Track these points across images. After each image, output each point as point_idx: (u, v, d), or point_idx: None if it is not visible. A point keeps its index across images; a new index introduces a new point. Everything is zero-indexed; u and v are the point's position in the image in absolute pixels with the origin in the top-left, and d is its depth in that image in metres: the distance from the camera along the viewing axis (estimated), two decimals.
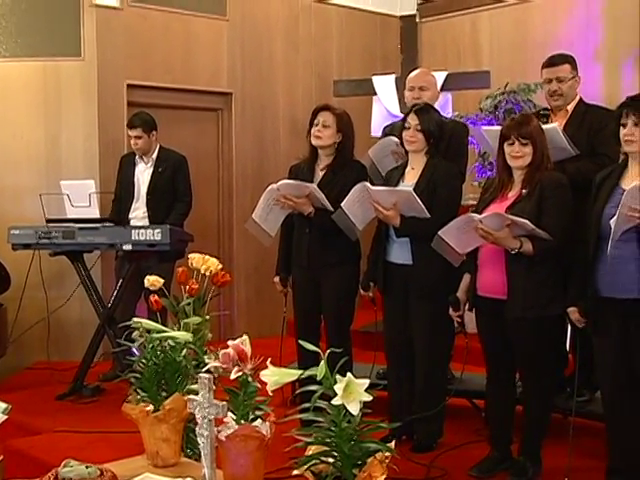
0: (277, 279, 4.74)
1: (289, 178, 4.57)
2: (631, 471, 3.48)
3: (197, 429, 2.03)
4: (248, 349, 2.06)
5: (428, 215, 4.04)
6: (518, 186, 3.79)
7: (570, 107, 4.39)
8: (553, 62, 4.44)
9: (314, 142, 4.51)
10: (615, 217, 3.17)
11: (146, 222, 5.75)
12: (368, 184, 4.17)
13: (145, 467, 2.39)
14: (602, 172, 3.56)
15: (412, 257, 4.19)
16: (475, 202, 4.25)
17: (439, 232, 3.80)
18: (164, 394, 2.45)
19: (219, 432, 2.03)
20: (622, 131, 3.35)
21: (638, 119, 3.30)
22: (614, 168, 3.50)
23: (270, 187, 4.45)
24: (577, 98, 4.42)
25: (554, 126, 4.14)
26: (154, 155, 5.89)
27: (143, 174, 5.90)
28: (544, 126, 4.06)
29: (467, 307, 3.95)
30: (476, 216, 3.69)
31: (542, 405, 3.91)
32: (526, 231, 3.61)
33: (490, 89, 6.81)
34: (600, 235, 3.35)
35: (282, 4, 7.57)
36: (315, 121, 4.50)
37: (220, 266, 2.83)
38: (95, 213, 5.69)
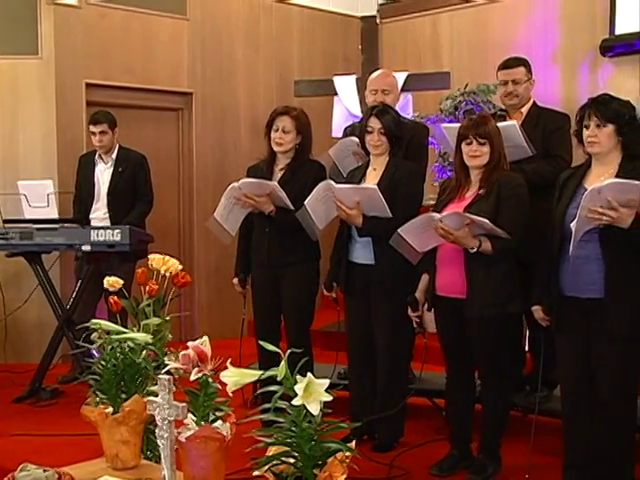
0: (236, 280, 4.73)
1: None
2: (588, 467, 3.53)
3: (157, 431, 2.01)
4: (208, 350, 2.05)
5: (390, 214, 4.06)
6: (475, 186, 3.82)
7: (525, 109, 4.46)
8: (508, 65, 4.52)
9: (276, 148, 4.51)
10: (575, 219, 3.20)
11: (107, 222, 5.71)
12: (332, 182, 4.18)
13: (104, 470, 2.37)
14: (565, 172, 3.59)
15: (374, 257, 4.20)
16: (435, 202, 4.27)
17: (399, 230, 3.82)
18: (123, 396, 2.43)
19: (179, 434, 2.02)
20: (585, 132, 3.38)
21: (600, 120, 3.34)
22: (578, 167, 3.54)
23: (231, 186, 4.44)
24: (531, 101, 4.50)
25: (513, 123, 4.18)
26: (114, 155, 5.85)
27: (103, 174, 5.85)
28: (502, 123, 4.11)
29: (426, 307, 3.97)
30: (436, 215, 3.71)
31: (501, 403, 3.94)
32: (485, 230, 3.64)
33: (450, 90, 6.85)
34: (563, 235, 3.38)
35: (243, 4, 7.56)
36: (274, 127, 4.49)
37: (180, 267, 2.81)
38: (54, 213, 5.62)
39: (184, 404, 1.99)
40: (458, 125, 4.21)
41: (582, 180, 3.46)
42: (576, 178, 3.49)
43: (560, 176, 3.59)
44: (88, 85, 6.61)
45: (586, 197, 3.18)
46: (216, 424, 2.05)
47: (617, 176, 3.28)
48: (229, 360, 1.96)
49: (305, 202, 4.17)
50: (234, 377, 1.88)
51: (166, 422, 1.99)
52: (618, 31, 6.84)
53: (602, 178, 3.24)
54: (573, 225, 3.20)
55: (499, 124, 4.04)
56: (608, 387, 3.37)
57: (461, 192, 3.86)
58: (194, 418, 2.05)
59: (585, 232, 3.26)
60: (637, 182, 3.15)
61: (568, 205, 3.41)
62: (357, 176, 4.33)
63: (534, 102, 4.50)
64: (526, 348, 4.60)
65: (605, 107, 3.34)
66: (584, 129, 3.38)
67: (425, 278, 3.96)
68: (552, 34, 7.29)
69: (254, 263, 4.64)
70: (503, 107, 4.67)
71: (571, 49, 7.20)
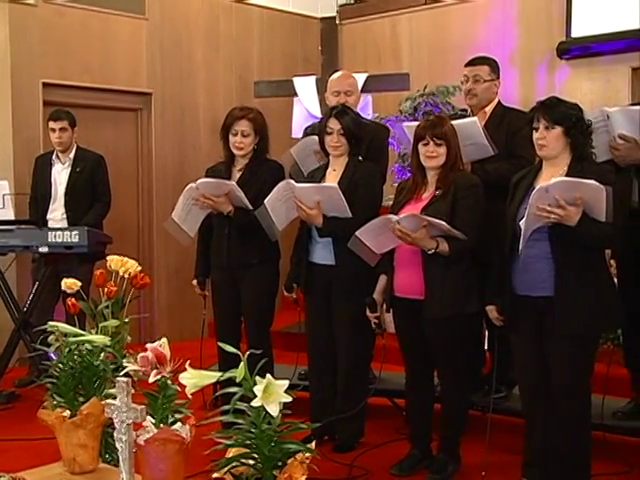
0: (195, 282, 4.71)
1: None
2: (547, 464, 3.56)
3: (115, 434, 2.00)
4: (167, 352, 2.04)
5: (350, 214, 4.07)
6: (432, 187, 3.84)
7: (489, 109, 4.44)
8: (473, 62, 4.50)
9: (236, 152, 4.50)
10: (524, 217, 3.24)
11: (65, 224, 5.64)
12: (292, 181, 4.18)
13: (62, 474, 2.35)
14: (519, 173, 3.64)
15: (334, 257, 4.20)
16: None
17: (357, 233, 3.83)
18: (81, 399, 2.40)
19: (138, 436, 2.00)
20: (534, 135, 3.43)
21: (548, 123, 3.38)
22: (530, 169, 3.59)
23: (189, 186, 4.41)
24: (496, 101, 4.48)
25: (474, 120, 4.18)
26: (71, 155, 5.78)
27: (60, 174, 5.78)
28: (463, 120, 4.12)
29: (384, 308, 3.99)
30: (393, 217, 3.72)
31: (460, 403, 3.98)
32: (442, 231, 3.66)
33: (410, 91, 6.90)
34: (515, 235, 3.43)
35: (202, 4, 7.52)
36: (233, 131, 4.48)
37: (139, 268, 2.79)
38: (9, 215, 5.55)
39: (143, 407, 1.98)
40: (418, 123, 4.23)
41: (533, 181, 3.50)
42: (528, 179, 3.53)
43: (513, 177, 3.64)
44: (45, 85, 6.53)
45: (534, 196, 3.23)
46: (175, 426, 2.04)
47: (566, 176, 3.32)
48: (188, 362, 1.95)
49: (265, 201, 4.16)
50: (193, 379, 1.87)
51: (124, 425, 1.97)
52: (574, 34, 6.95)
53: (552, 179, 3.28)
54: (522, 223, 3.24)
55: (459, 121, 4.06)
56: (562, 385, 3.41)
57: (418, 193, 3.88)
58: (153, 420, 2.04)
59: (535, 231, 3.30)
60: (583, 180, 3.20)
61: (520, 205, 3.45)
62: (317, 177, 4.33)
63: (499, 102, 4.48)
64: (485, 347, 4.64)
65: (552, 110, 3.40)
66: (534, 131, 3.43)
67: (383, 279, 3.98)
68: (510, 36, 7.36)
69: (214, 264, 4.62)
70: (463, 108, 4.69)
71: (529, 51, 7.28)
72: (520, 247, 3.29)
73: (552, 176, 3.36)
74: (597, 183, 3.20)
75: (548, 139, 3.38)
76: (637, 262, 3.69)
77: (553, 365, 3.42)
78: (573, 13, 6.93)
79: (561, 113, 3.38)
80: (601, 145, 3.76)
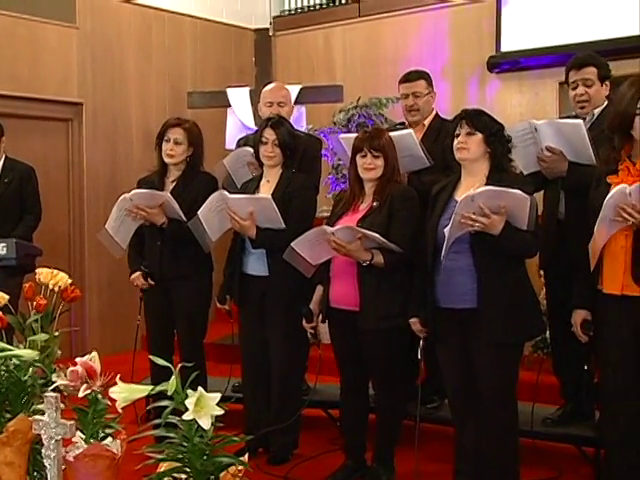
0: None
1: None
2: (476, 472, 3.61)
3: (43, 451, 1.95)
4: (97, 366, 2.00)
5: (283, 225, 4.07)
6: (369, 198, 3.87)
7: (427, 122, 4.50)
8: (409, 78, 4.54)
9: (167, 160, 4.47)
10: (449, 226, 3.28)
11: None
12: (225, 192, 4.16)
13: None
14: (438, 185, 3.67)
15: (268, 268, 4.20)
16: (329, 214, 4.30)
17: (292, 244, 3.83)
18: (8, 415, 2.34)
19: (67, 453, 1.96)
20: (455, 141, 3.49)
21: (470, 128, 3.45)
22: (449, 181, 3.63)
23: (123, 197, 4.36)
24: (433, 113, 4.54)
25: (410, 132, 4.22)
26: None
27: None
28: (398, 132, 4.16)
29: (320, 319, 4.00)
30: (328, 229, 3.74)
31: (395, 413, 4.00)
32: (377, 243, 3.69)
33: (343, 103, 6.94)
34: (436, 246, 3.47)
35: (134, 13, 7.46)
36: (166, 138, 4.45)
37: (70, 281, 2.74)
38: None
39: (72, 422, 1.94)
40: (355, 135, 4.26)
41: (453, 192, 3.55)
42: (447, 190, 3.58)
43: (432, 188, 3.68)
44: None
45: (460, 204, 3.27)
46: (106, 442, 2.00)
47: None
48: (118, 376, 1.92)
49: (198, 213, 4.14)
50: (123, 393, 1.84)
51: (53, 441, 1.93)
52: (504, 48, 7.10)
53: (472, 189, 3.33)
54: (447, 231, 3.28)
55: (396, 133, 4.09)
56: (489, 393, 3.46)
57: (355, 204, 3.90)
58: (83, 436, 2.00)
59: (456, 243, 3.33)
60: (509, 189, 3.26)
61: (440, 217, 3.50)
62: (250, 188, 4.32)
63: (436, 114, 4.55)
64: (419, 357, 4.68)
65: (475, 117, 3.48)
66: (455, 138, 3.49)
67: (320, 289, 3.99)
68: (442, 50, 7.48)
69: (146, 275, 4.56)
70: (397, 121, 4.73)
71: (460, 65, 7.41)
72: (443, 253, 3.32)
73: (471, 186, 3.41)
74: (522, 192, 3.26)
75: (469, 143, 3.45)
76: (564, 272, 3.76)
77: (479, 374, 3.47)
78: (503, 28, 7.09)
79: (483, 121, 3.46)
80: (529, 157, 3.85)
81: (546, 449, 4.17)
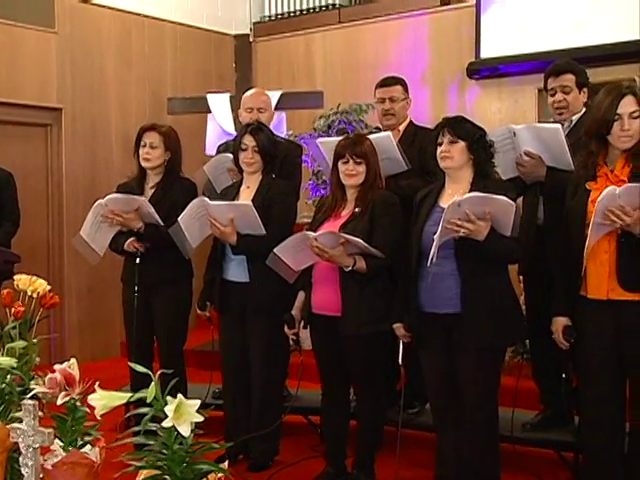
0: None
1: None
2: (457, 478, 3.62)
3: (21, 459, 1.93)
4: (76, 373, 1.99)
5: (264, 232, 4.06)
6: (352, 204, 3.87)
7: (401, 127, 4.54)
8: (386, 83, 4.59)
9: (143, 164, 4.46)
10: (438, 231, 3.30)
11: None
12: (206, 199, 4.15)
13: None
14: (422, 191, 3.69)
15: (249, 275, 4.19)
16: (310, 220, 4.31)
17: (275, 250, 3.83)
18: None
19: (45, 461, 1.94)
20: (438, 149, 3.50)
21: (452, 137, 3.46)
22: (433, 187, 3.65)
23: (97, 202, 4.34)
24: (408, 119, 4.59)
25: (388, 134, 4.24)
26: None
27: None
28: (377, 135, 4.18)
29: (302, 325, 3.99)
30: (311, 234, 3.74)
31: (375, 419, 4.00)
32: (359, 249, 3.69)
33: (323, 109, 6.95)
34: (421, 252, 3.48)
35: (114, 18, 7.43)
36: (142, 142, 4.44)
37: (48, 287, 2.73)
38: None
39: (50, 430, 1.92)
40: (333, 139, 4.27)
41: (437, 199, 3.57)
42: (431, 197, 3.60)
43: (417, 195, 3.70)
44: None
45: (447, 209, 3.29)
46: (84, 449, 1.99)
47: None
48: (97, 383, 1.91)
49: (179, 219, 4.13)
50: (102, 400, 1.83)
51: (31, 450, 1.91)
52: (483, 55, 7.13)
53: (456, 196, 3.35)
54: (436, 236, 3.30)
55: (374, 135, 4.12)
56: (470, 398, 3.47)
57: (337, 210, 3.91)
58: (61, 444, 1.98)
59: (441, 249, 3.34)
60: (494, 196, 3.28)
61: (425, 223, 3.52)
62: (230, 194, 4.32)
63: (411, 120, 4.59)
64: (400, 363, 4.68)
65: (457, 125, 3.49)
66: (438, 146, 3.50)
67: (302, 295, 3.99)
68: (421, 56, 7.51)
69: (125, 282, 4.55)
70: (376, 126, 4.75)
71: (440, 71, 7.44)
72: (430, 257, 3.33)
73: (455, 193, 3.43)
74: (507, 199, 3.28)
75: (452, 152, 3.46)
76: (543, 277, 3.78)
77: (461, 379, 3.48)
78: (482, 35, 7.12)
79: (465, 129, 3.48)
80: (508, 162, 3.86)
81: (526, 454, 4.18)
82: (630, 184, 3.13)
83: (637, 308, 3.19)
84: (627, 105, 3.20)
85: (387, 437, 4.08)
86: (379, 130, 4.62)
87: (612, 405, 3.32)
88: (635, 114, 3.20)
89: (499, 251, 3.37)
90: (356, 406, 4.06)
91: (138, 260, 4.41)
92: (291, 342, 4.06)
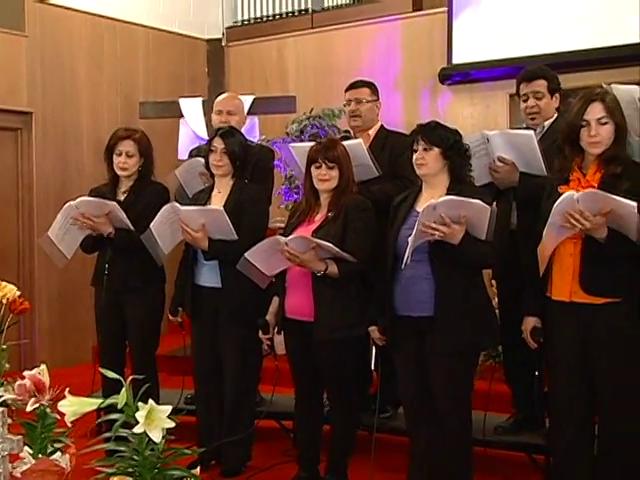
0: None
1: None
2: None
3: None
4: (46, 379, 1.98)
5: (236, 236, 4.05)
6: (325, 209, 3.87)
7: (372, 132, 4.54)
8: (353, 85, 4.62)
9: (119, 173, 4.44)
10: (413, 234, 3.31)
11: None
12: (177, 204, 4.13)
13: None
14: (400, 195, 3.71)
15: (221, 280, 4.17)
16: (283, 225, 4.30)
17: (246, 254, 3.82)
18: None
19: (14, 468, 1.92)
20: (414, 156, 3.52)
21: (427, 144, 3.48)
22: (410, 192, 3.67)
23: (68, 204, 4.30)
24: (379, 124, 4.59)
25: (359, 141, 4.26)
26: None
27: None
28: (348, 142, 4.18)
29: (276, 330, 3.99)
30: (282, 239, 3.73)
31: (348, 423, 4.00)
32: (331, 254, 3.69)
33: (296, 114, 6.95)
34: (396, 256, 3.49)
35: (85, 22, 7.38)
36: (117, 151, 4.41)
37: (18, 293, 2.71)
38: None
39: (19, 437, 1.90)
40: (306, 144, 4.27)
41: (414, 203, 3.59)
42: (408, 201, 3.62)
43: (394, 199, 3.71)
44: None
45: (423, 212, 3.30)
46: (55, 456, 1.97)
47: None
48: (67, 389, 1.89)
49: (150, 225, 4.10)
50: (73, 406, 1.81)
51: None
52: (455, 60, 7.17)
53: (432, 200, 3.36)
54: (411, 239, 3.31)
55: (345, 142, 4.12)
56: (443, 401, 3.48)
57: (311, 215, 3.91)
58: (31, 451, 1.96)
59: (416, 252, 3.36)
60: (470, 199, 3.30)
61: (401, 227, 3.53)
62: (202, 198, 4.30)
63: (382, 125, 4.59)
64: (372, 367, 4.69)
65: (431, 132, 3.50)
66: (413, 153, 3.52)
67: (276, 301, 3.98)
68: (394, 61, 7.54)
69: (97, 287, 4.51)
70: (345, 129, 4.77)
71: (412, 76, 7.47)
72: (404, 260, 3.34)
73: (431, 198, 3.44)
74: (483, 203, 3.30)
75: (427, 159, 3.48)
76: (516, 282, 3.80)
77: (434, 383, 3.49)
78: (454, 40, 7.16)
79: (439, 136, 3.49)
80: (481, 168, 3.88)
81: (497, 457, 4.20)
82: (589, 190, 3.18)
83: (599, 312, 3.24)
84: (594, 112, 3.25)
85: (360, 441, 4.08)
86: (348, 133, 4.63)
87: (581, 406, 3.35)
88: (603, 120, 3.25)
89: (473, 255, 3.39)
90: (329, 411, 4.06)
91: (107, 265, 4.38)
92: (265, 347, 4.05)
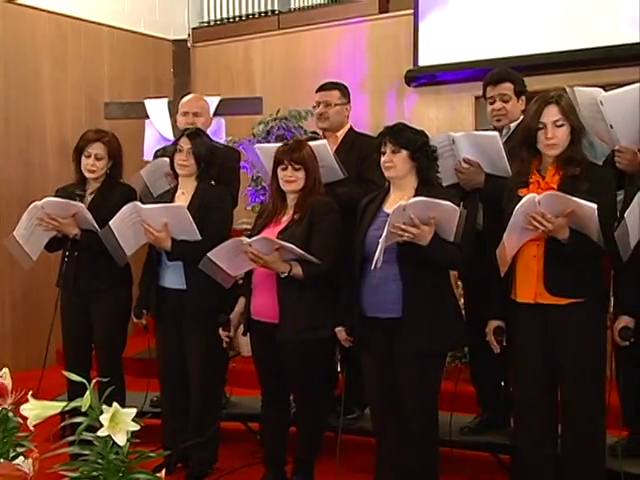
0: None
1: None
2: None
3: None
4: (8, 382, 1.95)
5: (199, 237, 4.02)
6: (291, 210, 3.87)
7: (340, 134, 4.54)
8: (323, 87, 4.61)
9: (88, 175, 4.41)
10: (383, 235, 3.31)
11: None
12: (139, 203, 4.10)
13: None
14: (367, 197, 3.72)
15: (186, 281, 4.14)
16: (249, 226, 4.29)
17: (209, 254, 3.80)
18: None
19: None
20: (382, 158, 3.53)
21: (394, 146, 3.49)
22: (378, 193, 3.68)
23: (34, 204, 4.25)
24: (347, 126, 4.59)
25: (324, 142, 4.24)
26: None
27: None
28: (313, 142, 4.18)
29: (240, 330, 3.97)
30: (245, 239, 3.72)
31: (316, 425, 4.00)
32: (295, 255, 3.69)
33: (262, 115, 6.93)
34: (364, 257, 3.50)
35: (49, 21, 7.30)
36: (86, 153, 4.38)
37: None
38: None
39: None
40: (271, 145, 4.26)
41: (382, 204, 3.60)
42: (375, 203, 3.63)
43: (362, 201, 3.72)
44: None
45: (393, 214, 3.31)
46: (17, 461, 1.94)
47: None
48: (30, 392, 1.87)
49: (110, 222, 4.06)
50: (35, 410, 1.79)
51: None
52: (421, 62, 7.20)
53: (402, 202, 3.37)
54: (381, 240, 3.31)
55: (310, 143, 4.11)
56: (410, 402, 3.50)
57: (277, 216, 3.90)
58: None
59: (384, 253, 3.37)
60: (440, 201, 3.31)
61: (368, 227, 3.54)
62: (166, 199, 4.27)
63: (351, 127, 4.59)
64: (338, 369, 4.69)
65: (399, 134, 3.52)
66: (381, 155, 3.53)
67: (242, 301, 3.97)
68: (360, 63, 7.55)
69: (62, 288, 4.47)
70: (313, 130, 4.76)
71: (378, 78, 7.49)
72: (374, 261, 3.34)
73: (399, 199, 3.45)
74: (452, 204, 3.32)
75: (395, 161, 3.49)
76: (481, 282, 3.83)
77: (402, 384, 3.51)
78: (420, 42, 7.19)
79: (406, 138, 3.50)
80: (447, 169, 3.90)
81: (463, 457, 4.22)
82: (550, 192, 3.22)
83: (563, 312, 3.28)
84: (550, 114, 3.30)
85: (326, 442, 4.08)
86: (316, 134, 4.62)
87: (544, 407, 3.38)
88: (559, 122, 3.29)
89: (441, 256, 3.40)
90: (296, 413, 4.06)
91: (73, 267, 4.34)
92: (224, 344, 4.03)
